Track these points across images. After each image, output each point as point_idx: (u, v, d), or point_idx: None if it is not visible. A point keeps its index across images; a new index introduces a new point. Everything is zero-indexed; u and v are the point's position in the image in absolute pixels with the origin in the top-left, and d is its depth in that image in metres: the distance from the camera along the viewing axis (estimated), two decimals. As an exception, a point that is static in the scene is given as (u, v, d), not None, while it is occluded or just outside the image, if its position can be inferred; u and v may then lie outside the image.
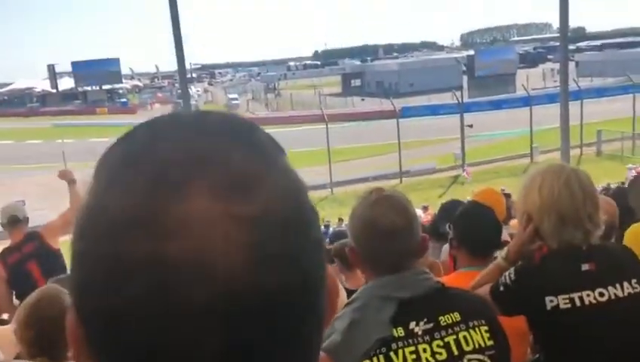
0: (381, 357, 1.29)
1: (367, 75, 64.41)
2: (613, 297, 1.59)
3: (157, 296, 0.33)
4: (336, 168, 21.47)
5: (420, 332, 1.32)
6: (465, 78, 48.52)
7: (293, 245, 0.37)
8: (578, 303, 1.58)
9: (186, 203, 0.34)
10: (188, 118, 0.41)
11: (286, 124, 32.01)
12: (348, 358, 1.30)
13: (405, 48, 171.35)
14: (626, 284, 1.60)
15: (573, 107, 15.64)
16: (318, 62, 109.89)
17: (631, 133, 23.09)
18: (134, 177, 0.36)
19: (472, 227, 2.24)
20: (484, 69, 47.15)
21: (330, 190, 20.76)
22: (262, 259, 0.35)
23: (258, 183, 0.36)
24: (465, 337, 1.32)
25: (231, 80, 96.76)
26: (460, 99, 24.40)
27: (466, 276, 2.09)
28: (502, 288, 1.72)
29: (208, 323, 0.34)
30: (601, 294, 1.59)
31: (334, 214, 15.32)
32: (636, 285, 1.61)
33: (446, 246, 4.15)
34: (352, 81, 65.72)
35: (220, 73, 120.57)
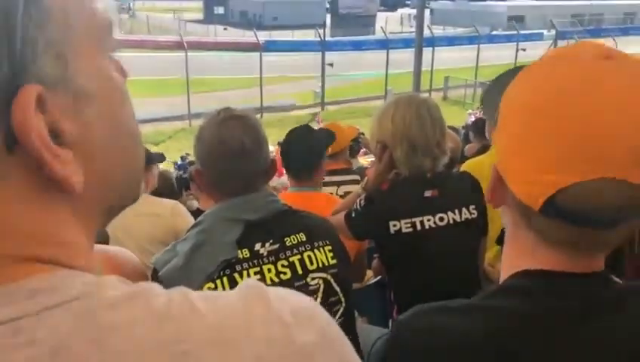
0: (225, 279, 1.27)
1: (231, 4, 61.96)
2: (451, 222, 1.71)
3: None
4: (195, 99, 20.68)
5: (265, 253, 1.31)
6: (328, 15, 48.78)
7: None
8: (419, 227, 1.69)
9: None
10: None
11: (140, 49, 29.89)
12: (190, 282, 1.26)
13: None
14: (464, 210, 1.73)
15: (426, 53, 16.55)
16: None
17: (473, 81, 25.10)
18: None
19: (293, 150, 2.30)
20: (347, 8, 47.74)
21: (188, 122, 20.04)
22: None
23: None
24: (309, 256, 1.35)
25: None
26: (322, 37, 24.53)
27: (293, 196, 2.20)
28: (354, 214, 1.79)
29: None
30: (441, 219, 1.71)
31: (192, 146, 14.87)
32: (474, 211, 1.74)
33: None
34: (215, 8, 62.85)
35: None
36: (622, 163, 0.58)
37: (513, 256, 0.74)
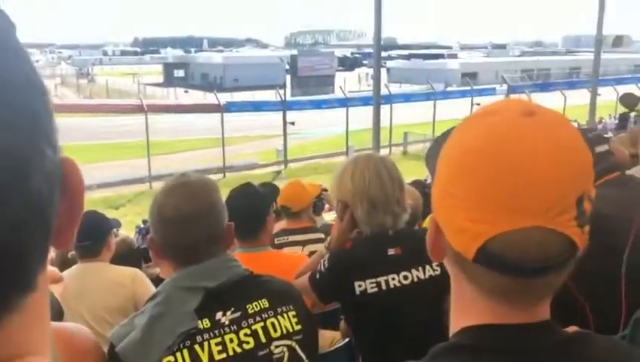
0: (185, 351, 1.21)
1: (192, 67, 62.78)
2: (416, 280, 1.69)
3: None
4: (156, 161, 20.50)
5: (226, 322, 1.26)
6: (288, 76, 49.88)
7: None
8: (384, 286, 1.66)
9: None
10: None
11: (100, 113, 29.76)
12: (148, 356, 1.19)
13: (230, 43, 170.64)
14: (427, 267, 1.71)
15: (384, 110, 17.01)
16: (138, 49, 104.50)
17: (431, 135, 25.78)
18: None
19: (234, 210, 2.23)
20: (306, 70, 48.99)
21: (149, 184, 19.78)
22: None
23: None
24: (273, 323, 1.30)
25: (37, 62, 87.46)
26: (283, 97, 24.99)
27: (239, 258, 2.11)
28: (318, 275, 1.75)
29: None
30: (406, 277, 1.69)
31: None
32: (437, 268, 1.72)
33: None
34: (176, 72, 63.53)
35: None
36: (544, 214, 0.60)
37: (458, 310, 0.74)
